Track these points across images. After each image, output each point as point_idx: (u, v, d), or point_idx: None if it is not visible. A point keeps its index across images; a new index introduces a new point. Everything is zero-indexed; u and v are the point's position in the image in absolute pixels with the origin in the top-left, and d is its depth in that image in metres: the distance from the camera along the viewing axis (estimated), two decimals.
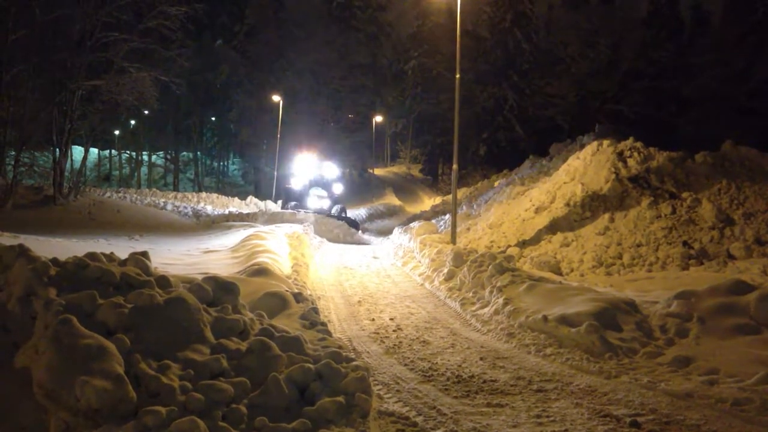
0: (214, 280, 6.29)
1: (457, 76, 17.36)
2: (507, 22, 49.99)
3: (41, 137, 29.57)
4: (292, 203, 29.17)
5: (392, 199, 48.85)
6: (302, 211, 27.42)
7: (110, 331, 4.77)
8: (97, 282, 5.23)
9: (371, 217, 39.86)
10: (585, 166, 19.18)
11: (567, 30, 47.98)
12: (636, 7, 46.19)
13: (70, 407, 4.14)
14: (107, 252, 6.07)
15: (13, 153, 29.21)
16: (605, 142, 19.76)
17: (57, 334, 4.35)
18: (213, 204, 36.38)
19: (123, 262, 5.85)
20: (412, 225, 23.52)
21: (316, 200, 28.06)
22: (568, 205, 17.72)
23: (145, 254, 6.17)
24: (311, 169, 29.91)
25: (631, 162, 18.54)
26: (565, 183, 19.24)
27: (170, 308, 5.14)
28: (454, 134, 17.34)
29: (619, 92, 40.95)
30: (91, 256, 5.55)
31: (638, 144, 19.35)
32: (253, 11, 59.45)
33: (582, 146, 23.13)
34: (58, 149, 29.16)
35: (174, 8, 29.69)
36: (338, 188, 30.20)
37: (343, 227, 26.37)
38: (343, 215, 28.49)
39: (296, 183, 29.75)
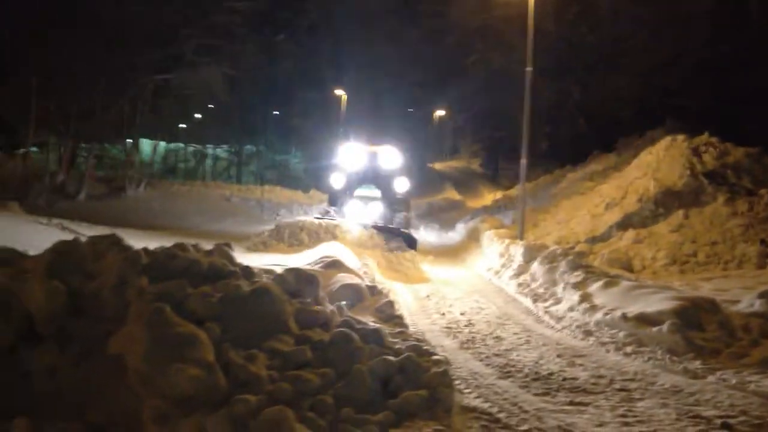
0: (296, 272, 6.33)
1: (529, 68, 17.16)
2: (571, 14, 49.06)
3: (112, 131, 30.46)
4: (333, 209, 19.11)
5: (452, 194, 48.57)
6: (328, 219, 17.68)
7: (199, 320, 4.84)
8: (186, 272, 5.31)
9: (431, 213, 39.37)
10: (658, 161, 18.69)
11: (631, 23, 46.84)
12: None
13: (164, 394, 4.22)
14: (192, 243, 6.17)
15: (86, 146, 30.22)
16: (679, 137, 19.21)
17: (151, 322, 4.44)
18: (277, 196, 36.86)
19: (209, 253, 5.93)
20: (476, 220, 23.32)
21: (360, 205, 18.07)
22: (640, 200, 17.32)
23: (228, 245, 6.26)
24: (360, 159, 19.17)
25: (706, 157, 18.00)
26: (637, 178, 18.80)
27: (256, 298, 5.19)
28: (524, 127, 17.14)
29: (685, 86, 39.70)
30: (180, 246, 5.64)
31: (713, 139, 18.77)
32: (315, 5, 59.72)
33: (652, 141, 22.57)
34: (128, 142, 30.01)
35: (240, 3, 30.23)
36: (402, 185, 18.72)
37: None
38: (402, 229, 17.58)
39: (337, 180, 19.17)
